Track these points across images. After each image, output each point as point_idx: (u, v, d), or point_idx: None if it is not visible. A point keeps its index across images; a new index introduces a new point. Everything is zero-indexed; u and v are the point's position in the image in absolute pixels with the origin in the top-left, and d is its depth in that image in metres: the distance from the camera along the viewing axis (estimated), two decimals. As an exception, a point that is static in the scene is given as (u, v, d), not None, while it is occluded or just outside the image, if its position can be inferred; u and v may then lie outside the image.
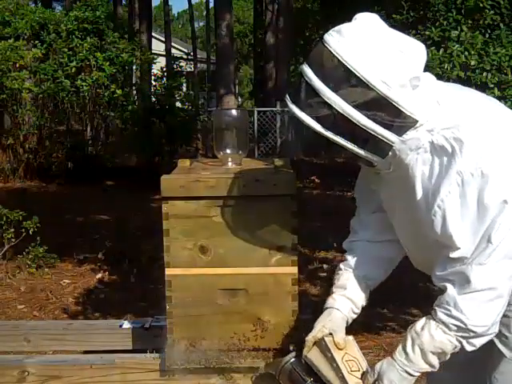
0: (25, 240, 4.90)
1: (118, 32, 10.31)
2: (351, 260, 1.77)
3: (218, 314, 1.75)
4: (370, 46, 1.44)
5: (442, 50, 8.19)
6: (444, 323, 1.53)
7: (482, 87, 8.30)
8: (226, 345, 1.75)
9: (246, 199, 1.72)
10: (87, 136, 10.28)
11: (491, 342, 1.62)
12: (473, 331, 1.52)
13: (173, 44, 20.89)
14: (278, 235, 1.72)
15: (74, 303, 4.41)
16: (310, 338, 1.66)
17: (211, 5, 18.38)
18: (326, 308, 1.75)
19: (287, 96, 1.51)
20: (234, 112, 2.06)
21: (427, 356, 1.55)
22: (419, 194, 1.56)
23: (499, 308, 1.53)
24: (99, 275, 5.00)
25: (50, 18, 10.13)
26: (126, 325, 2.15)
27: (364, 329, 3.74)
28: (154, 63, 11.54)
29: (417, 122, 1.47)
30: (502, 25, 8.34)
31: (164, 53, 16.86)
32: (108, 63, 9.64)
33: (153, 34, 19.93)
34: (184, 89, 13.78)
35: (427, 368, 1.58)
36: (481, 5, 8.01)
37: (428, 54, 1.56)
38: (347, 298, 1.73)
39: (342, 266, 1.78)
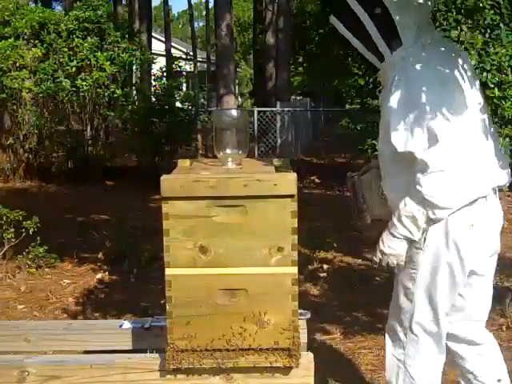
0: (25, 240, 4.90)
1: (119, 32, 10.30)
2: None
3: (218, 314, 1.75)
4: None
5: (442, 50, 8.17)
6: (413, 196, 2.03)
7: (482, 87, 8.26)
8: (226, 345, 1.75)
9: (246, 199, 1.72)
10: (87, 136, 10.27)
11: None
12: (430, 202, 2.00)
13: (173, 44, 20.88)
14: (278, 235, 1.73)
15: (74, 303, 4.41)
16: (367, 166, 2.35)
17: (211, 5, 18.37)
18: None
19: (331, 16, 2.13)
20: (233, 112, 2.06)
21: (401, 219, 2.07)
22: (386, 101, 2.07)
23: (447, 184, 1.99)
24: (99, 275, 5.00)
25: (49, 18, 10.10)
26: (126, 325, 2.15)
27: (364, 329, 3.75)
28: (154, 63, 11.53)
29: (401, 44, 2.05)
30: (502, 25, 8.34)
31: (164, 53, 16.85)
32: (109, 63, 9.64)
33: (153, 34, 19.92)
34: (184, 89, 13.78)
35: (405, 232, 2.08)
36: (481, 5, 8.01)
37: None
38: None
39: None
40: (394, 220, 2.10)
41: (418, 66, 2.01)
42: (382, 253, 2.16)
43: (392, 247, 2.12)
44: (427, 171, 1.98)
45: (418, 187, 2.00)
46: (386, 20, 2.01)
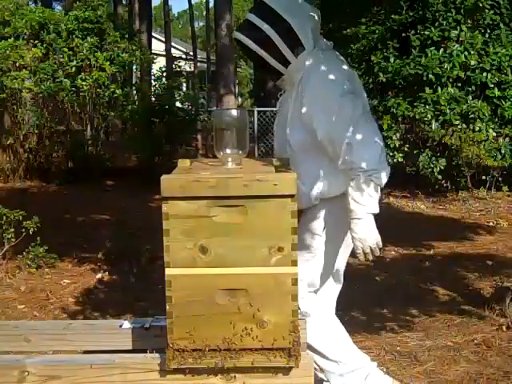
0: (25, 240, 4.90)
1: (119, 32, 10.31)
2: None
3: (217, 314, 1.75)
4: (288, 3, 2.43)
5: (441, 50, 8.21)
6: (353, 178, 2.30)
7: (482, 87, 8.32)
8: (226, 345, 1.75)
9: (246, 199, 1.72)
10: (87, 136, 10.27)
11: None
12: (369, 170, 2.28)
13: (173, 44, 20.87)
14: (278, 235, 1.73)
15: (74, 303, 4.41)
16: None
17: (211, 5, 18.34)
18: None
19: (235, 32, 2.48)
20: (233, 112, 2.06)
21: (357, 200, 2.30)
22: (297, 100, 2.43)
23: (374, 148, 2.31)
24: (99, 275, 5.00)
25: (49, 18, 10.11)
26: (126, 325, 2.15)
27: (364, 329, 3.75)
28: (154, 63, 11.54)
29: (304, 49, 2.42)
30: (501, 25, 8.36)
31: (164, 53, 16.85)
32: (108, 63, 9.64)
33: (153, 34, 19.91)
34: (184, 89, 13.78)
35: (365, 209, 2.31)
36: (480, 5, 8.02)
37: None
38: None
39: None
40: (351, 207, 2.33)
41: (321, 65, 2.41)
42: (360, 241, 2.35)
43: (363, 230, 2.33)
44: (352, 149, 2.29)
45: (355, 165, 2.29)
46: (288, 32, 2.39)
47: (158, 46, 21.28)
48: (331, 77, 2.39)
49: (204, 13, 28.24)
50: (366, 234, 2.33)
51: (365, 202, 2.30)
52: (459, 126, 7.87)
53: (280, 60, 2.42)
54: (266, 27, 2.37)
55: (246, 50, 2.48)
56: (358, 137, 2.30)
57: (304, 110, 2.40)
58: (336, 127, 2.33)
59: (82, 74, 9.66)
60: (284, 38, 2.39)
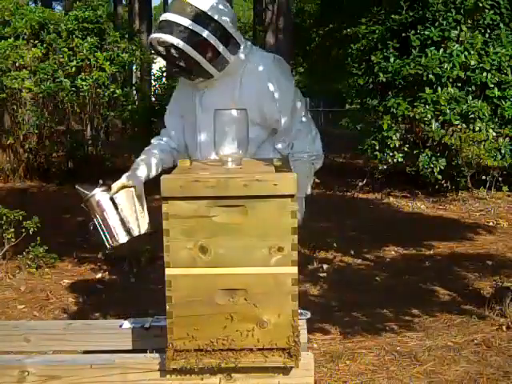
0: (25, 240, 4.90)
1: (119, 32, 10.30)
2: (156, 143, 2.61)
3: (217, 313, 1.75)
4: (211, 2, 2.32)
5: (441, 50, 8.22)
6: (296, 159, 2.44)
7: (482, 87, 8.32)
8: (226, 345, 1.75)
9: (246, 199, 1.72)
10: (87, 136, 10.27)
11: None
12: (317, 156, 2.48)
13: (173, 44, 20.86)
14: (278, 235, 1.72)
15: (74, 303, 4.41)
16: (120, 183, 2.38)
17: (211, 5, 18.31)
18: (134, 167, 2.47)
19: (155, 34, 2.29)
20: (233, 112, 2.06)
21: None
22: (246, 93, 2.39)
23: (319, 137, 2.52)
24: (99, 275, 5.00)
25: (49, 18, 10.11)
26: (126, 325, 2.15)
27: (364, 329, 3.75)
28: (154, 63, 11.53)
29: (238, 47, 2.38)
30: (501, 25, 8.37)
31: (164, 53, 16.82)
32: (108, 63, 9.64)
33: (153, 33, 19.87)
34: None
35: (301, 189, 2.32)
36: (480, 5, 8.03)
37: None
38: (146, 164, 2.48)
39: (152, 141, 2.62)
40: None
41: (269, 60, 2.47)
42: None
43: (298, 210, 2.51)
44: (303, 136, 2.47)
45: (302, 150, 2.45)
46: (222, 32, 2.32)
47: (157, 46, 21.24)
48: (284, 71, 2.49)
49: (204, 13, 28.17)
50: (299, 215, 2.46)
51: (304, 185, 2.43)
52: (459, 126, 7.87)
53: (212, 61, 2.31)
54: (202, 31, 2.24)
55: (172, 53, 2.33)
56: (307, 125, 2.50)
57: (267, 104, 2.41)
58: (292, 117, 2.46)
59: (82, 73, 9.65)
60: (219, 39, 2.29)
